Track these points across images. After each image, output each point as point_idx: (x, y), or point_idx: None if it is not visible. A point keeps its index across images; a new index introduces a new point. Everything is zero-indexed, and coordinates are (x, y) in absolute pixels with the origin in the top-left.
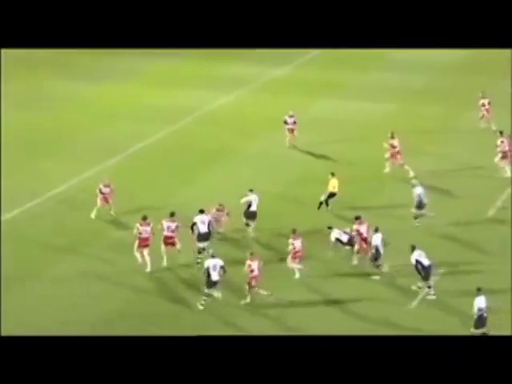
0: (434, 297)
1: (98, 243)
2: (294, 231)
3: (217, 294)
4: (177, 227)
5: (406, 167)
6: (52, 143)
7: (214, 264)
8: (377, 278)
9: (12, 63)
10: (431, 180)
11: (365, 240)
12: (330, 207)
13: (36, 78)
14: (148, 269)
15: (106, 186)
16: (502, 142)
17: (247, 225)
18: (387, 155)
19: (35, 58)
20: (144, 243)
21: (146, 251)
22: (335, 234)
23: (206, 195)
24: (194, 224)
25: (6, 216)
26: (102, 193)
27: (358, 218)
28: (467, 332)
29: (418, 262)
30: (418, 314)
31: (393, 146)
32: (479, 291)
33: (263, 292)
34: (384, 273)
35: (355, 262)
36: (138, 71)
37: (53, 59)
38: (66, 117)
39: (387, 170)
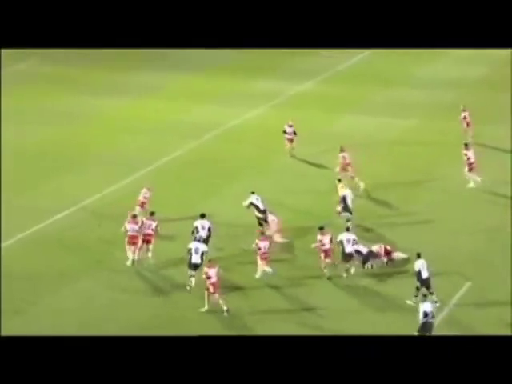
0: (411, 302)
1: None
2: (262, 233)
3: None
4: (156, 227)
5: (356, 179)
6: (75, 158)
7: (196, 247)
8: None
9: (34, 79)
10: (444, 194)
11: (327, 251)
12: (352, 214)
13: (58, 94)
14: (128, 262)
15: (149, 190)
16: (465, 154)
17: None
18: (338, 169)
19: (57, 73)
20: (130, 241)
21: (132, 248)
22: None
23: (228, 209)
24: (195, 228)
25: (25, 231)
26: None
27: (321, 228)
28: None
29: (419, 271)
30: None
31: (343, 158)
32: (425, 297)
33: (221, 299)
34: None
35: (327, 274)
36: (162, 86)
37: (74, 75)
38: (89, 132)
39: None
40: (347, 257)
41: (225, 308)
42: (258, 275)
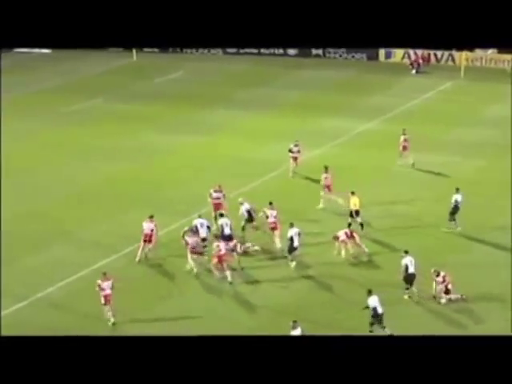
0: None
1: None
2: (192, 230)
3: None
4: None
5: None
6: (140, 195)
7: (201, 222)
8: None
9: (100, 117)
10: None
11: (221, 256)
12: (364, 229)
13: (124, 131)
14: (137, 258)
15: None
16: (325, 177)
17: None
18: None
19: (123, 111)
20: (144, 238)
21: (147, 246)
22: (406, 260)
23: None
24: (220, 226)
25: (89, 268)
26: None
27: (216, 236)
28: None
29: (406, 266)
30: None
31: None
32: (295, 323)
33: (111, 311)
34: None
35: (216, 276)
36: (228, 125)
37: (140, 113)
38: (155, 169)
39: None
40: (293, 249)
41: (111, 320)
42: (193, 271)
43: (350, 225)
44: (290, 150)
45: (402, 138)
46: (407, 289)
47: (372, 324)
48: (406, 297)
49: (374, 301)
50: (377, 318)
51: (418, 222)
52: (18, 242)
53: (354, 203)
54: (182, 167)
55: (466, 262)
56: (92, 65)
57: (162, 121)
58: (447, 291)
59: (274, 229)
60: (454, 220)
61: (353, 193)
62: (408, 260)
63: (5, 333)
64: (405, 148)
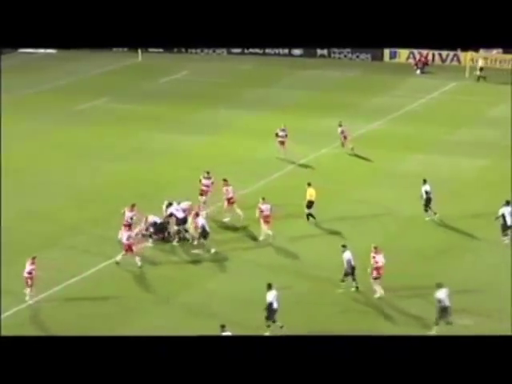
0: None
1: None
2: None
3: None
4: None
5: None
6: (142, 195)
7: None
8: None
9: (107, 116)
10: None
11: (130, 245)
12: (316, 219)
13: (130, 131)
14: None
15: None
16: (227, 190)
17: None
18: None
19: (129, 111)
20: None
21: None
22: (348, 254)
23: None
24: (171, 214)
25: (97, 266)
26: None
27: (126, 225)
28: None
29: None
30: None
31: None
32: (223, 327)
33: (29, 291)
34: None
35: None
36: (230, 124)
37: (146, 112)
38: (158, 169)
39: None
40: (207, 234)
41: (27, 298)
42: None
43: (308, 216)
44: (277, 134)
45: (340, 129)
46: (353, 280)
47: (268, 325)
48: (353, 289)
49: (271, 296)
50: (271, 312)
51: (419, 222)
52: (18, 243)
53: (310, 194)
54: (186, 167)
55: (467, 262)
56: (96, 65)
57: (167, 121)
58: (376, 278)
59: (232, 203)
60: (430, 209)
61: (309, 184)
62: (349, 254)
63: (5, 333)
64: (345, 138)
